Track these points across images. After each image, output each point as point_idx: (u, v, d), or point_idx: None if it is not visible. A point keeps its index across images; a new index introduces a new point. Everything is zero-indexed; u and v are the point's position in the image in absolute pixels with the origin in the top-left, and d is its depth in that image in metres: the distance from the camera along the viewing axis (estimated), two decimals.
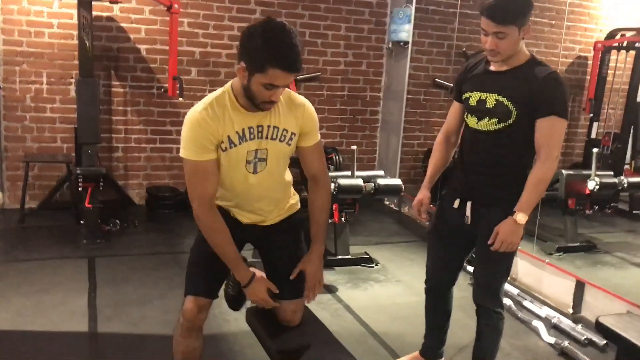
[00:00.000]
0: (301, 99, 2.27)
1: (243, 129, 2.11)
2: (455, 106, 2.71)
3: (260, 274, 2.30)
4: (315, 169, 2.37)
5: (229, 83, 2.15)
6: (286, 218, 2.43)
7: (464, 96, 2.60)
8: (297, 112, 2.21)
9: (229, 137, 2.10)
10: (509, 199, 2.42)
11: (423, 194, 2.76)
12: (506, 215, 2.39)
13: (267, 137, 2.16)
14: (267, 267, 2.46)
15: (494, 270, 2.59)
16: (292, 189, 2.48)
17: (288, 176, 2.40)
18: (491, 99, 2.45)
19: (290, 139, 2.21)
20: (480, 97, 2.50)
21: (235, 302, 2.59)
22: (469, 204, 2.56)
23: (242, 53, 1.99)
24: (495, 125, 2.45)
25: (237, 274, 2.24)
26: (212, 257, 2.25)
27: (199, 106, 2.10)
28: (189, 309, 2.27)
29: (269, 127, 2.15)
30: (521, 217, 2.36)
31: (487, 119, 2.48)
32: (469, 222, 2.57)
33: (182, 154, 2.12)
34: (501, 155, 2.48)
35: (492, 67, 2.51)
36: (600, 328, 2.71)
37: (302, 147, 2.31)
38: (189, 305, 2.28)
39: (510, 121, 2.41)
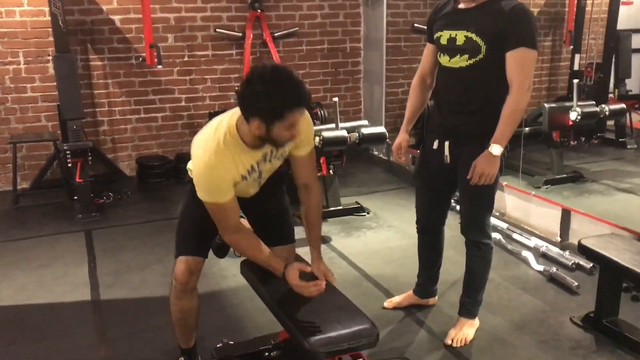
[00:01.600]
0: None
1: (252, 165, 2.17)
2: (429, 48, 2.74)
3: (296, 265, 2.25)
4: (308, 177, 2.37)
5: (232, 122, 2.10)
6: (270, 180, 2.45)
7: (435, 36, 2.62)
8: (301, 127, 2.16)
9: (242, 176, 2.16)
10: (485, 134, 2.47)
11: (402, 137, 2.82)
12: (483, 150, 2.44)
13: (270, 161, 2.24)
14: (255, 218, 2.51)
15: (478, 203, 2.66)
16: None
17: None
18: (460, 36, 2.48)
19: (286, 152, 2.27)
20: (450, 35, 2.53)
21: (220, 250, 2.67)
22: (446, 144, 2.62)
23: (252, 110, 1.98)
24: (467, 61, 2.48)
25: (275, 271, 2.24)
26: (201, 219, 2.29)
27: (208, 153, 2.06)
28: (181, 270, 2.32)
29: (272, 152, 2.21)
30: (496, 149, 2.42)
31: (458, 56, 2.51)
32: (448, 162, 2.63)
33: (204, 198, 2.13)
34: (474, 92, 2.52)
35: (461, 5, 2.53)
36: (582, 249, 2.80)
37: (296, 156, 2.30)
38: (180, 266, 2.33)
39: (481, 56, 2.45)
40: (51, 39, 4.73)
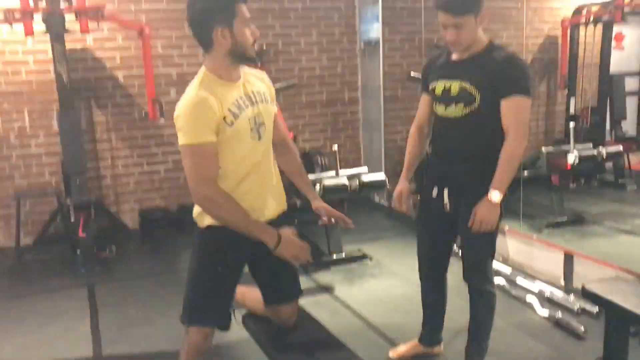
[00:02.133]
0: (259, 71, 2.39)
1: (237, 99, 2.14)
2: (424, 98, 2.81)
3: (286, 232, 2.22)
4: (283, 133, 2.49)
5: (201, 69, 2.16)
6: (282, 214, 2.41)
7: (430, 87, 2.69)
8: (264, 79, 2.34)
9: (229, 110, 2.10)
10: (483, 181, 2.50)
11: (402, 185, 2.85)
12: (482, 197, 2.47)
13: (257, 102, 2.22)
14: (262, 273, 2.41)
15: (479, 250, 2.67)
16: None
17: None
18: (455, 86, 2.55)
19: (268, 101, 2.29)
20: (445, 85, 2.59)
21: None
22: (445, 191, 2.65)
23: (209, 25, 2.05)
24: (462, 110, 2.54)
25: (265, 237, 2.14)
26: (218, 279, 2.21)
27: (191, 92, 2.07)
28: (198, 342, 2.19)
29: (253, 92, 2.21)
30: (496, 196, 2.45)
31: (453, 105, 2.57)
32: (448, 209, 2.65)
33: (183, 141, 2.05)
34: (471, 140, 2.57)
35: (454, 57, 2.61)
36: (587, 294, 2.78)
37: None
38: (197, 337, 2.19)
39: (475, 105, 2.50)
40: (56, 95, 4.84)
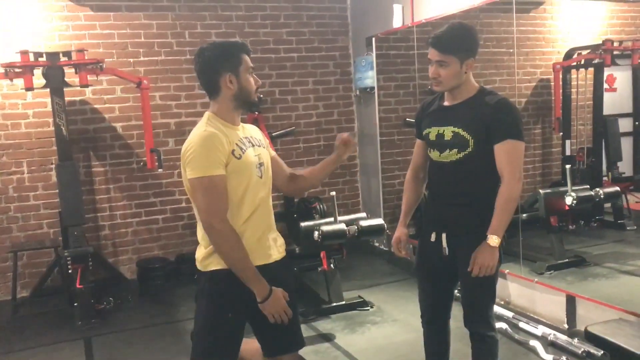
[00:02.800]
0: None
1: (240, 139, 2.27)
2: (418, 143, 2.84)
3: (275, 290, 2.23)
4: (287, 169, 2.60)
5: (206, 114, 2.29)
6: (283, 259, 2.41)
7: (424, 133, 2.72)
8: (257, 130, 2.48)
9: (237, 144, 2.22)
10: (481, 225, 2.50)
11: (400, 231, 2.85)
12: (480, 241, 2.47)
13: (255, 145, 2.34)
14: (264, 321, 2.29)
15: (480, 295, 2.65)
16: None
17: None
18: (448, 132, 2.58)
19: (264, 146, 2.42)
20: (438, 131, 2.63)
21: None
22: (444, 236, 2.65)
23: (216, 71, 2.23)
24: (456, 155, 2.56)
25: (257, 287, 2.17)
26: (228, 324, 2.22)
27: (200, 128, 2.21)
28: None
29: (252, 137, 2.36)
30: (494, 240, 2.44)
31: (447, 150, 2.59)
32: (447, 254, 2.64)
33: (194, 174, 2.12)
34: (466, 184, 2.58)
35: (446, 103, 2.65)
36: (590, 337, 2.76)
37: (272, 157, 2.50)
38: None
39: (469, 149, 2.53)
40: (54, 147, 4.88)
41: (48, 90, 4.67)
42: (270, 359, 2.42)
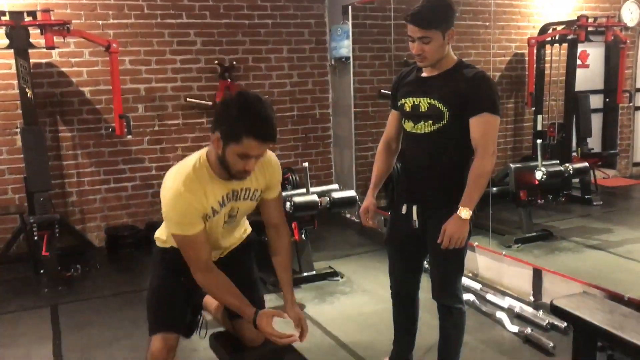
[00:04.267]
0: (268, 156, 2.28)
1: (222, 197, 2.19)
2: (393, 114, 2.81)
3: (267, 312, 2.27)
4: (277, 218, 2.44)
5: (203, 152, 2.16)
6: (243, 242, 2.53)
7: (399, 103, 2.69)
8: (267, 171, 2.30)
9: (212, 207, 2.16)
10: (452, 198, 2.50)
11: (368, 201, 2.84)
12: (451, 214, 2.47)
13: (240, 199, 2.25)
14: None
15: (448, 268, 2.66)
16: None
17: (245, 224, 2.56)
18: (424, 103, 2.55)
19: (256, 196, 2.32)
20: (414, 102, 2.60)
21: (186, 330, 2.60)
22: (414, 208, 2.65)
23: (218, 123, 2.06)
24: (431, 127, 2.54)
25: (244, 315, 2.24)
26: (172, 291, 2.29)
27: (177, 182, 2.09)
28: (158, 349, 2.25)
29: (242, 189, 2.24)
30: (465, 213, 2.44)
31: (422, 122, 2.57)
32: (417, 226, 2.65)
33: (173, 231, 2.15)
34: (439, 157, 2.57)
35: (423, 74, 2.62)
36: (555, 310, 2.81)
37: (265, 199, 2.37)
38: (157, 344, 2.26)
39: (444, 121, 2.51)
40: (19, 111, 4.73)
41: (12, 51, 4.49)
42: (233, 321, 2.48)
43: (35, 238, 4.43)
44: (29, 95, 4.48)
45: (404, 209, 2.70)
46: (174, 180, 2.10)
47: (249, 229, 2.62)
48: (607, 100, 6.48)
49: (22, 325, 3.82)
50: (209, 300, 2.69)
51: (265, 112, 2.02)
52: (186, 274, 2.26)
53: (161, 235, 2.41)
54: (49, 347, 3.50)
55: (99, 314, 3.98)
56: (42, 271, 4.52)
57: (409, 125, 2.64)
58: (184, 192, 2.06)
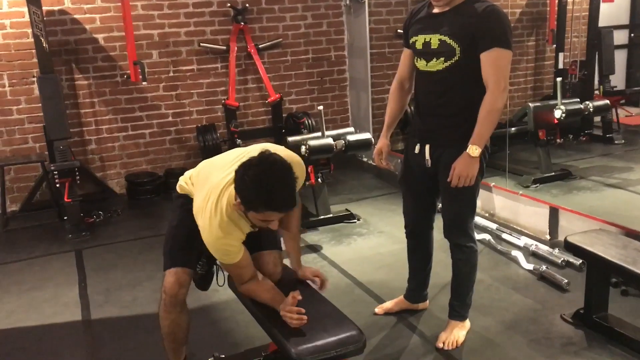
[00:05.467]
0: (296, 158, 2.29)
1: (246, 234, 2.26)
2: (405, 52, 2.76)
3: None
4: (288, 226, 2.48)
5: (231, 195, 2.13)
6: None
7: (410, 41, 2.64)
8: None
9: (247, 234, 2.26)
10: (464, 136, 2.48)
11: (382, 142, 2.83)
12: (462, 152, 2.45)
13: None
14: None
15: (459, 206, 2.67)
16: None
17: None
18: (435, 40, 2.50)
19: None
20: (425, 39, 2.55)
21: (203, 282, 2.67)
22: (427, 147, 2.63)
23: (237, 188, 2.06)
24: (443, 64, 2.50)
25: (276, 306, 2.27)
26: (189, 232, 2.33)
27: (214, 228, 2.14)
28: (170, 282, 2.34)
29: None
30: (474, 150, 2.43)
31: (434, 59, 2.52)
32: (429, 165, 2.64)
33: (219, 259, 2.29)
34: (452, 94, 2.54)
35: (434, 10, 2.55)
36: (569, 246, 2.81)
37: None
38: (169, 279, 2.35)
39: (456, 58, 2.46)
40: (35, 60, 4.74)
41: None
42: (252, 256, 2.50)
43: (57, 185, 4.53)
44: (43, 43, 4.47)
45: (416, 149, 2.68)
46: (210, 226, 2.15)
47: None
48: (632, 35, 6.27)
49: (49, 269, 3.95)
50: None
51: (282, 180, 2.02)
52: None
53: (181, 182, 2.48)
54: (75, 289, 3.63)
55: (121, 257, 4.09)
56: (65, 217, 4.63)
57: (421, 64, 2.60)
58: (224, 235, 2.15)
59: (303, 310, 2.15)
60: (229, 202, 2.14)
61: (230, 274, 2.37)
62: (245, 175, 2.01)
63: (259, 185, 1.98)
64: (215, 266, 2.67)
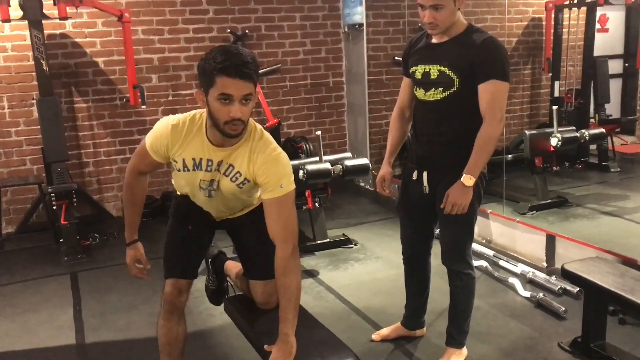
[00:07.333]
0: (271, 147, 2.14)
1: (201, 159, 2.15)
2: (405, 81, 2.80)
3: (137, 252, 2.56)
4: (272, 230, 2.13)
5: (200, 112, 2.15)
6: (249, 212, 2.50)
7: (410, 70, 2.68)
8: (258, 159, 2.11)
9: (183, 160, 2.18)
10: (461, 164, 2.50)
11: (384, 170, 2.85)
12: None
13: (221, 172, 2.18)
14: (238, 247, 2.58)
15: (457, 233, 2.68)
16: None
17: (253, 200, 2.43)
18: (434, 70, 2.54)
19: (242, 183, 2.18)
20: (424, 69, 2.59)
21: (215, 297, 2.72)
22: (424, 174, 2.65)
23: (198, 76, 2.03)
24: (441, 94, 2.54)
25: (125, 234, 2.54)
26: (187, 239, 2.38)
27: (173, 119, 2.17)
28: (169, 292, 2.37)
29: (226, 163, 2.15)
30: (469, 179, 2.45)
31: (433, 89, 2.56)
32: (427, 192, 2.66)
33: (146, 137, 2.25)
34: (449, 124, 2.57)
35: (433, 40, 2.60)
36: (566, 274, 2.82)
37: (262, 199, 2.17)
38: (169, 288, 2.37)
39: (454, 88, 2.50)
40: (35, 82, 4.77)
41: (26, 22, 4.51)
42: (248, 281, 2.54)
43: (54, 207, 4.52)
44: (44, 66, 4.51)
45: (414, 175, 2.71)
46: (173, 116, 2.19)
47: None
48: (627, 65, 6.35)
49: (44, 292, 3.93)
50: (229, 266, 2.75)
51: (236, 50, 1.96)
52: (193, 222, 2.39)
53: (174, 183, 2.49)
54: (70, 312, 3.60)
55: (117, 280, 4.07)
56: (61, 240, 4.61)
57: (420, 93, 2.64)
58: (169, 129, 2.14)
59: (143, 267, 2.51)
60: (200, 113, 2.14)
61: (133, 155, 2.35)
62: (206, 54, 1.99)
63: (213, 52, 1.96)
64: (225, 282, 2.69)
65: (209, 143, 2.13)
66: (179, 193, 2.46)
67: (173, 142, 2.15)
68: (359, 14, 5.72)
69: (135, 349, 3.14)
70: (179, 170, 2.22)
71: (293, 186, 2.14)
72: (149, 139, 2.22)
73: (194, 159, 2.16)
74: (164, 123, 2.18)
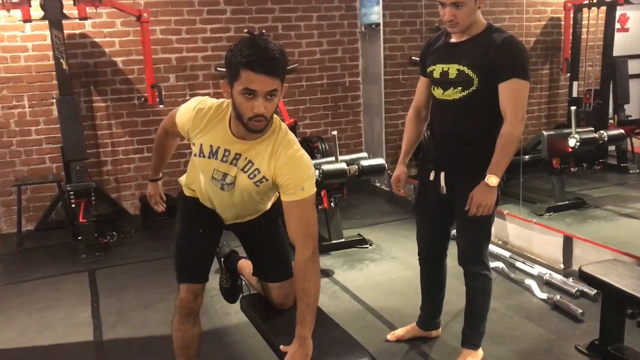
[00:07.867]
0: (295, 148, 2.07)
1: (218, 147, 2.09)
2: (422, 81, 2.79)
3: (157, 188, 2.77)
4: (292, 233, 2.08)
5: (229, 102, 2.08)
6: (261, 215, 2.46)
7: (428, 70, 2.67)
8: (279, 157, 2.05)
9: (201, 145, 2.12)
10: (479, 165, 2.49)
11: (400, 169, 2.85)
12: (478, 181, 2.46)
13: (238, 167, 2.10)
14: (249, 251, 2.55)
15: (475, 234, 2.67)
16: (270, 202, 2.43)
17: (265, 205, 2.39)
18: (453, 69, 2.53)
19: (260, 181, 2.11)
20: (443, 68, 2.58)
21: (230, 295, 2.74)
22: (442, 175, 2.64)
23: (226, 71, 1.98)
24: (460, 93, 2.52)
25: (150, 173, 2.74)
26: (198, 243, 2.36)
27: (202, 102, 2.15)
28: (185, 297, 2.36)
29: (244, 158, 2.08)
30: (493, 180, 2.44)
31: (451, 88, 2.55)
32: (444, 193, 2.65)
33: (180, 106, 2.27)
34: (468, 123, 2.56)
35: (452, 39, 2.59)
36: (583, 276, 2.79)
37: (282, 201, 2.10)
38: (183, 294, 2.37)
39: (474, 88, 2.48)
40: (55, 82, 4.83)
41: (47, 22, 4.57)
42: (261, 283, 2.55)
43: (73, 206, 4.57)
44: (63, 66, 4.56)
45: (431, 176, 2.70)
46: (204, 99, 2.18)
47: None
48: None
49: (62, 289, 3.98)
50: (243, 265, 2.75)
51: (264, 44, 1.88)
52: (203, 225, 2.37)
53: (182, 180, 2.45)
54: (88, 309, 3.65)
55: (134, 278, 4.11)
56: (79, 238, 4.67)
57: (438, 92, 2.63)
58: (195, 111, 2.13)
59: (159, 200, 2.76)
60: (227, 105, 2.08)
61: (166, 118, 2.39)
62: (233, 45, 1.95)
63: (241, 45, 1.90)
64: (239, 281, 2.70)
65: (230, 134, 2.07)
66: (186, 193, 2.40)
67: (194, 126, 2.13)
68: (375, 13, 5.72)
69: (152, 346, 3.16)
70: (195, 155, 2.17)
71: (314, 189, 2.08)
72: (178, 113, 2.23)
73: (211, 146, 2.10)
74: (192, 105, 2.15)
